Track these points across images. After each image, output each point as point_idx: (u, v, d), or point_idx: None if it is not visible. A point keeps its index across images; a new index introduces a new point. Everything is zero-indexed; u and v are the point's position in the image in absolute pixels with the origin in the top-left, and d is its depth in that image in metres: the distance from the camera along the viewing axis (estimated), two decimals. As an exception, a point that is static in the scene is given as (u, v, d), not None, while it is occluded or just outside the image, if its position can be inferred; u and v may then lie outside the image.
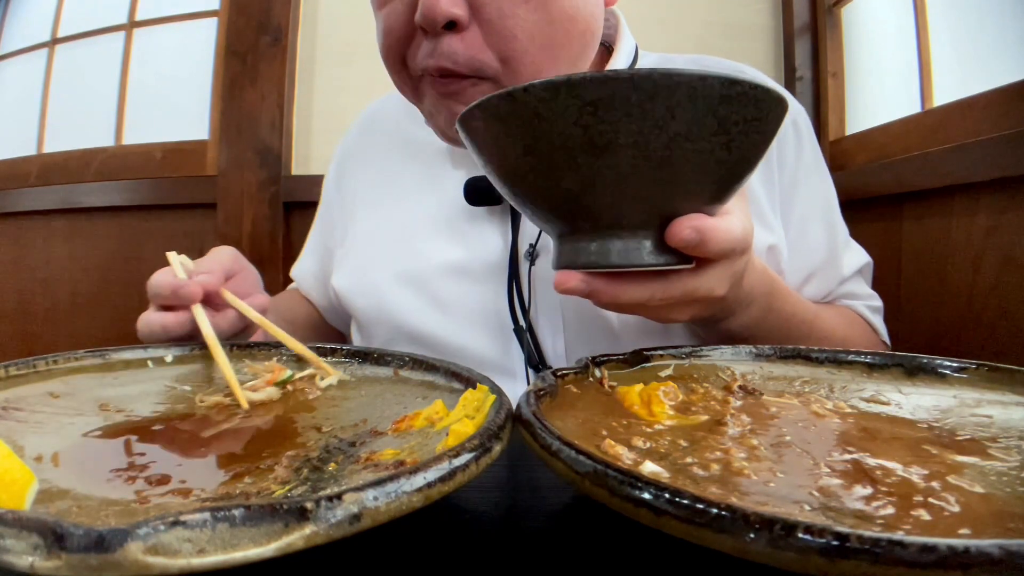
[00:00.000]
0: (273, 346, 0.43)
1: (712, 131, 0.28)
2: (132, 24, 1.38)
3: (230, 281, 0.46)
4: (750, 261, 0.39)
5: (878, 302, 0.61)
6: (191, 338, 0.43)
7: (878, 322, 0.60)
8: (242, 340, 0.47)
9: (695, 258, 0.33)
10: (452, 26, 0.44)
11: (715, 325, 0.44)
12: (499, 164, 0.32)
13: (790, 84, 1.15)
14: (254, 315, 0.45)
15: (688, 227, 0.30)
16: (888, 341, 0.60)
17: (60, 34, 1.45)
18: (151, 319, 0.43)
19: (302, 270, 0.73)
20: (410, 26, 0.46)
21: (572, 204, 0.31)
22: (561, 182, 0.30)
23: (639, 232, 0.31)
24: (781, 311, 0.47)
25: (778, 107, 0.29)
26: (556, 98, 0.27)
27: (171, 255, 0.47)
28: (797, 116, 0.58)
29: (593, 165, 0.29)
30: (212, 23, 1.29)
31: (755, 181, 0.55)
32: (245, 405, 0.36)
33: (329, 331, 0.73)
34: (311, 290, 0.72)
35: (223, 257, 0.47)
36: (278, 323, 0.44)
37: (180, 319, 0.43)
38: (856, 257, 0.61)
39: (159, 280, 0.43)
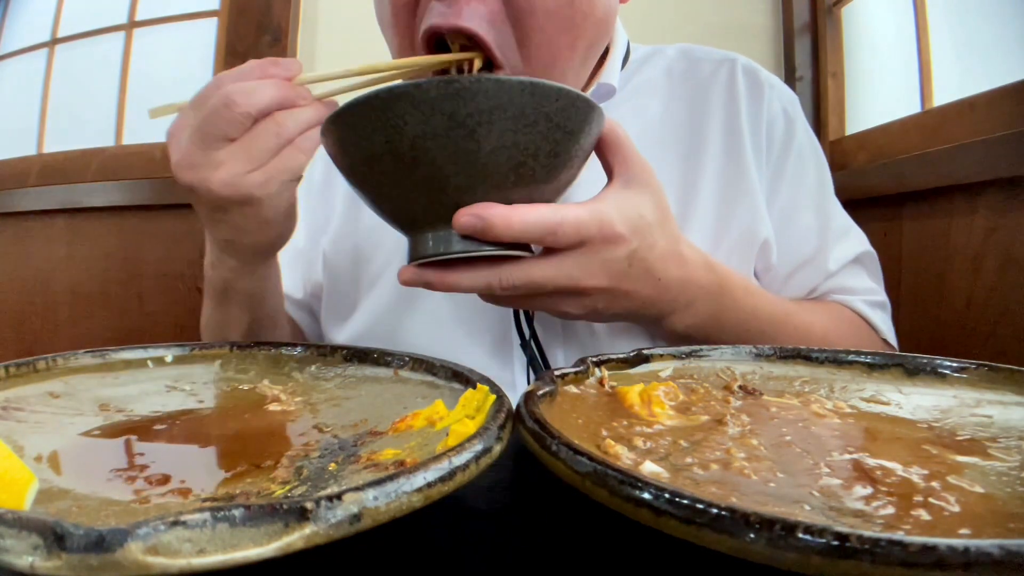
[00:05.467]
0: (273, 345, 0.43)
1: (446, 128, 0.30)
2: (132, 24, 1.38)
3: None
4: (669, 256, 0.38)
5: (880, 296, 0.56)
6: None
7: (878, 318, 0.55)
8: None
9: (540, 248, 0.35)
10: None
11: (658, 325, 0.42)
12: (345, 173, 0.36)
13: (790, 84, 1.15)
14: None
15: (468, 214, 0.32)
16: (892, 339, 0.56)
17: (60, 34, 1.45)
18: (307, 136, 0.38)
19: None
20: None
21: (393, 205, 0.35)
22: (382, 188, 0.34)
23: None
24: (739, 309, 0.44)
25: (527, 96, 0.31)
26: (368, 113, 0.31)
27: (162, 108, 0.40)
28: (787, 104, 0.57)
29: (397, 170, 0.32)
30: (212, 23, 1.29)
31: (752, 173, 0.54)
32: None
33: (295, 331, 0.67)
34: (286, 278, 0.66)
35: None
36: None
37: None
38: (851, 247, 0.56)
39: (263, 88, 0.36)
